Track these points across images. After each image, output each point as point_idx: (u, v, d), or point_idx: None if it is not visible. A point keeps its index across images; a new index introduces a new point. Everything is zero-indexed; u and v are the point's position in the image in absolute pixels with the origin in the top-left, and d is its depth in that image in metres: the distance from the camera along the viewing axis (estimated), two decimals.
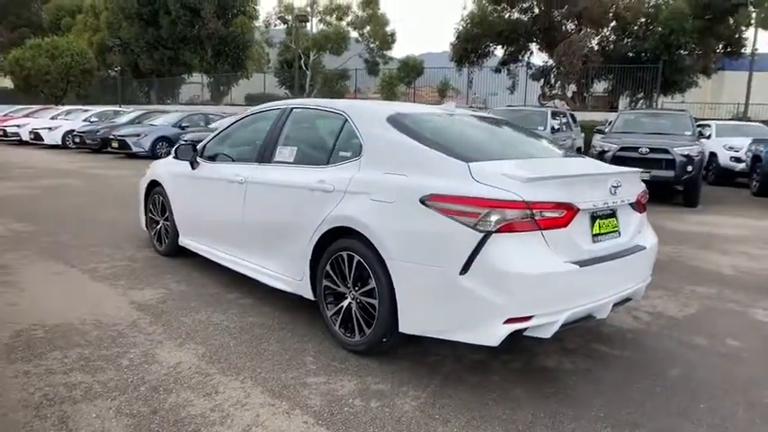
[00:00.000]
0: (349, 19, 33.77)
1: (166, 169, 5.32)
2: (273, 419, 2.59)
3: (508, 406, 2.78)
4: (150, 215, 5.60)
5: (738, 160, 13.49)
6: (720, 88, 29.09)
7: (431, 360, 3.27)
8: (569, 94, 25.79)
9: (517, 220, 2.70)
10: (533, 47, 26.35)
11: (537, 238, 2.75)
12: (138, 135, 15.98)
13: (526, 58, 26.62)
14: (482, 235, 2.68)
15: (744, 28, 22.53)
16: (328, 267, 3.43)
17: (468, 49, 25.57)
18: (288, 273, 3.78)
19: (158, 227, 5.49)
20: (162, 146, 16.26)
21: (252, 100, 34.73)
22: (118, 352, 3.25)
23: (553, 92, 25.78)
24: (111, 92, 37.73)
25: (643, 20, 22.84)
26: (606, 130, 11.73)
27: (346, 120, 3.64)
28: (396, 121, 3.44)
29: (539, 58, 26.86)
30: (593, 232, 3.03)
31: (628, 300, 3.34)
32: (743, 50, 23.05)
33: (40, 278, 4.64)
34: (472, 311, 2.75)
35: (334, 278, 3.40)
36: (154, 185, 5.51)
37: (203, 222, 4.72)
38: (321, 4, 32.56)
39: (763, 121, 17.78)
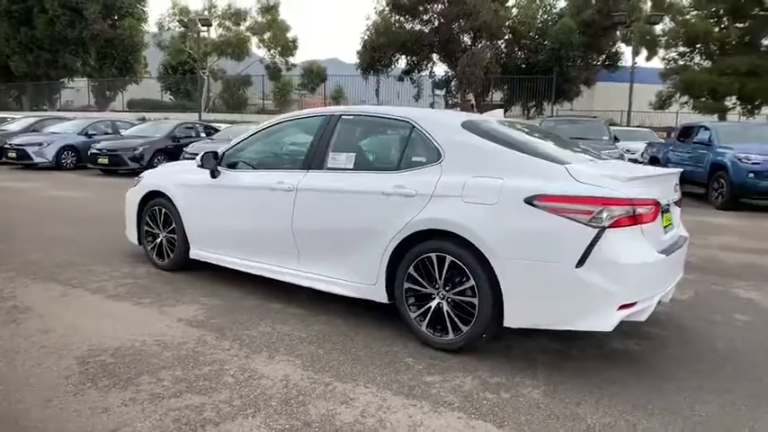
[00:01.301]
0: (247, 24, 33.01)
1: (172, 178, 5.02)
2: (428, 418, 2.64)
3: (618, 385, 3.05)
4: (147, 228, 5.24)
5: (635, 162, 15.15)
6: (592, 98, 32.20)
7: (518, 352, 3.46)
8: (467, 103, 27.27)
9: (623, 216, 2.99)
10: (435, 57, 27.52)
11: (637, 231, 3.07)
12: (39, 144, 14.50)
13: (429, 68, 27.74)
14: (597, 230, 2.94)
15: (620, 44, 25.26)
16: (411, 270, 3.51)
17: (375, 57, 26.12)
18: (355, 278, 3.79)
19: (158, 241, 5.16)
20: (68, 156, 14.92)
21: (134, 106, 32.69)
22: (212, 370, 3.10)
23: (454, 100, 27.12)
24: None
25: (534, 34, 24.75)
26: None
27: (413, 127, 3.73)
28: (472, 128, 3.61)
29: (441, 68, 28.00)
30: (663, 225, 3.42)
31: None
32: (619, 63, 25.83)
33: (49, 302, 4.20)
34: (588, 301, 2.99)
35: (419, 280, 3.49)
36: (152, 197, 5.17)
37: (231, 233, 4.54)
38: (219, 9, 31.53)
39: (638, 127, 20.11)
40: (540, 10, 25.26)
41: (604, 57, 25.97)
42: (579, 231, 2.97)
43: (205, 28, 25.22)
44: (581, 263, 2.96)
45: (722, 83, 25.54)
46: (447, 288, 3.39)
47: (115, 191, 11.37)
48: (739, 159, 10.28)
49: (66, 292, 4.45)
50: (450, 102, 27.32)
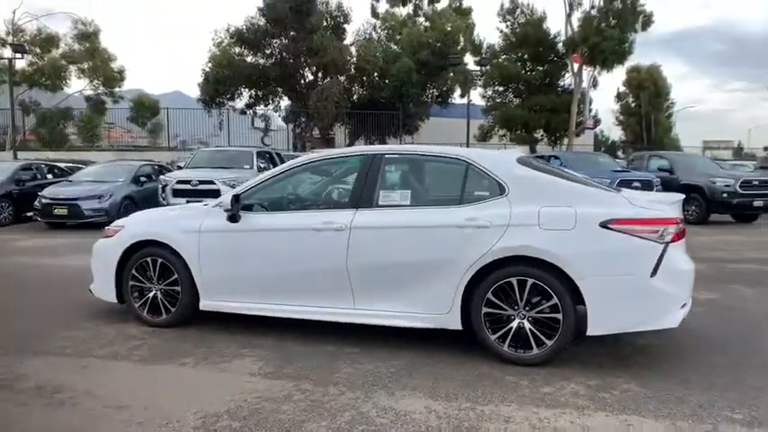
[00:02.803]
0: (60, 51, 29.71)
1: (174, 225, 4.62)
2: (587, 421, 2.98)
3: (683, 372, 3.68)
4: (134, 283, 4.71)
5: None
6: (427, 132, 35.00)
7: (584, 357, 3.94)
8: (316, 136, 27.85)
9: (676, 233, 3.68)
10: (281, 91, 27.64)
11: (680, 244, 3.78)
12: None
13: (275, 102, 27.77)
14: (663, 245, 3.58)
15: (450, 83, 28.09)
16: (490, 295, 3.81)
17: (220, 90, 25.42)
18: (425, 309, 3.96)
19: (151, 295, 4.68)
20: None
21: None
22: (354, 416, 3.05)
23: (298, 131, 27.47)
24: None
25: (377, 72, 26.27)
26: None
27: (469, 164, 4.07)
28: (527, 163, 4.07)
29: (288, 102, 28.15)
30: None
31: None
32: (450, 100, 28.68)
33: (74, 376, 3.63)
34: (661, 304, 3.61)
35: (499, 303, 3.81)
36: (140, 247, 4.68)
37: (262, 279, 4.34)
38: (27, 33, 27.90)
39: None
40: (379, 49, 26.90)
41: (437, 94, 28.64)
42: (650, 247, 3.58)
43: (19, 55, 22.14)
44: (654, 273, 3.57)
45: (532, 118, 29.89)
46: (527, 308, 3.76)
47: None
48: None
49: (87, 364, 3.87)
50: (298, 136, 27.56)
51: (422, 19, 34.31)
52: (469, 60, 30.07)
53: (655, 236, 3.60)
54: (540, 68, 31.17)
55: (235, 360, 3.93)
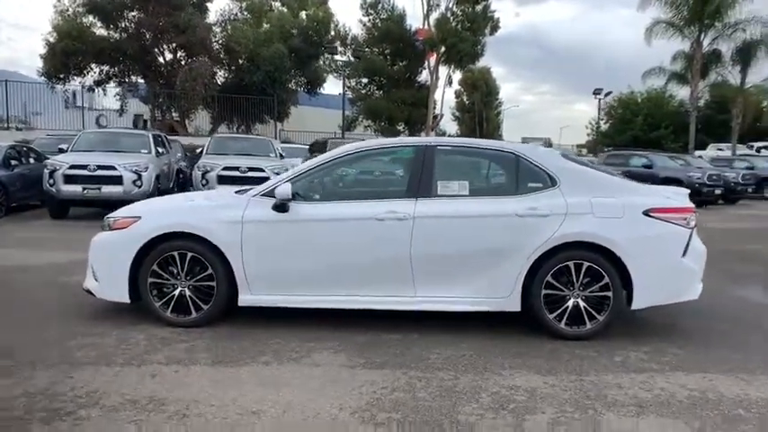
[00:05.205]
0: None
1: (210, 216, 4.25)
2: (677, 379, 3.49)
3: (708, 337, 4.40)
4: (155, 279, 4.25)
5: None
6: (295, 120, 34.49)
7: (620, 331, 4.48)
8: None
9: (694, 220, 4.38)
10: (137, 69, 25.19)
11: (695, 230, 4.50)
12: None
13: (132, 79, 25.23)
14: (690, 230, 4.26)
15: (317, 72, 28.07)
16: (549, 278, 4.19)
17: (70, 65, 22.44)
18: (486, 294, 4.21)
19: (176, 293, 4.27)
20: None
21: None
22: (493, 395, 3.22)
23: (166, 117, 25.41)
24: None
25: (248, 55, 25.18)
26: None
27: (518, 157, 4.38)
28: (569, 158, 4.50)
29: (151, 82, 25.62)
30: None
31: None
32: (318, 89, 28.67)
33: (162, 385, 3.24)
34: (689, 279, 4.28)
35: (557, 285, 4.19)
36: (161, 240, 4.23)
37: (319, 270, 4.21)
38: None
39: None
40: (249, 32, 25.74)
41: (306, 82, 28.38)
42: (681, 232, 4.23)
43: None
44: (684, 253, 4.22)
45: (395, 110, 31.15)
46: (580, 288, 4.20)
47: None
48: None
49: (147, 371, 3.45)
50: (157, 119, 25.30)
51: (278, 3, 33.60)
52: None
53: (684, 222, 4.26)
54: (402, 64, 32.54)
55: (313, 354, 3.81)
